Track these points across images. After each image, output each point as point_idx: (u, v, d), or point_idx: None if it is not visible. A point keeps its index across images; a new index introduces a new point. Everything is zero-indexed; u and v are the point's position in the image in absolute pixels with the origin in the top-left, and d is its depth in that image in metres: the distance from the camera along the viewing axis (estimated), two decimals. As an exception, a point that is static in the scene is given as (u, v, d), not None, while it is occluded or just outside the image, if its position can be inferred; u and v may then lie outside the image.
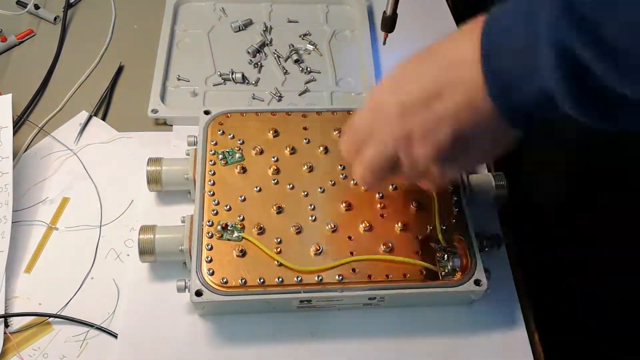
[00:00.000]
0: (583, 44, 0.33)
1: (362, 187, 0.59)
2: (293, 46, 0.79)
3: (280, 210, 0.57)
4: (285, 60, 0.78)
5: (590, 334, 0.73)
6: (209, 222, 0.55)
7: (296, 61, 0.77)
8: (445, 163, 0.46)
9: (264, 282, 0.53)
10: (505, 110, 0.41)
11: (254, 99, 0.73)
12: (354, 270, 0.54)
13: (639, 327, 0.71)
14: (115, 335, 0.56)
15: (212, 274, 0.53)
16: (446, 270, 0.55)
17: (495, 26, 0.40)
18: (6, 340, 0.55)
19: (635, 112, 0.37)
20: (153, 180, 0.61)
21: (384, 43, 0.64)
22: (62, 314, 0.57)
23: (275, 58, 0.78)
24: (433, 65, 0.44)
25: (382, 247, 0.55)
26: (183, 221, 0.57)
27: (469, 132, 0.43)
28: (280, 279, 0.53)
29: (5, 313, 0.56)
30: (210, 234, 0.55)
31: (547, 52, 0.35)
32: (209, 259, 0.53)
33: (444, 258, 0.55)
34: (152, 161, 0.61)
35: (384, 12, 0.64)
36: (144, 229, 0.56)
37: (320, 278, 0.53)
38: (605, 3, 0.33)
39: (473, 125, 0.43)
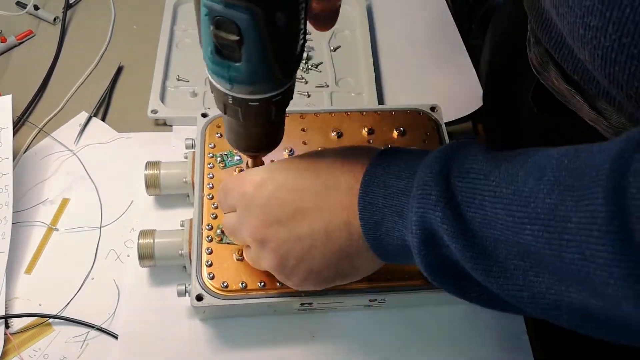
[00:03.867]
0: (442, 221, 0.36)
1: None
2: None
3: (279, 212, 0.57)
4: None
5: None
6: (208, 225, 0.55)
7: (307, 59, 0.78)
8: (287, 274, 0.47)
9: (264, 285, 0.53)
10: (374, 246, 0.43)
11: (253, 99, 0.73)
12: (353, 272, 0.54)
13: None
14: (115, 336, 0.56)
15: (213, 278, 0.53)
16: (446, 271, 0.55)
17: (374, 178, 0.42)
18: (7, 341, 0.55)
19: (481, 291, 0.40)
20: (151, 184, 0.61)
21: None
22: (63, 314, 0.57)
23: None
24: (314, 187, 0.45)
25: (382, 249, 0.55)
26: (182, 225, 0.57)
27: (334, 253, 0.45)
28: (280, 282, 0.53)
29: (5, 314, 0.56)
30: (209, 238, 0.55)
31: (413, 217, 0.38)
32: (209, 262, 0.53)
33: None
34: (150, 165, 0.61)
35: None
36: (143, 234, 0.56)
37: (320, 280, 0.53)
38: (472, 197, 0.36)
39: (337, 247, 0.45)
